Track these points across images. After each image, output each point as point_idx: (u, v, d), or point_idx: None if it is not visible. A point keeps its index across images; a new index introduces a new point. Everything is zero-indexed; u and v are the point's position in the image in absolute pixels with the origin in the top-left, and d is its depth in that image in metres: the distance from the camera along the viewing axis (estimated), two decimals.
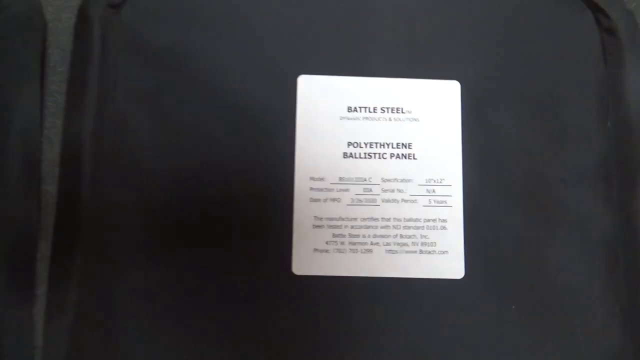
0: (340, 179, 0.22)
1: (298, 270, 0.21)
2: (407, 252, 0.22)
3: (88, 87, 0.22)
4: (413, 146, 0.23)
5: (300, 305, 0.21)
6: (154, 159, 0.22)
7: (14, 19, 0.23)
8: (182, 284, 0.21)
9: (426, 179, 0.22)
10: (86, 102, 0.22)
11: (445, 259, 0.22)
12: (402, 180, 0.22)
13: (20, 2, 0.23)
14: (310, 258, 0.22)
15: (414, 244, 0.22)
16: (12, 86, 0.22)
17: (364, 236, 0.22)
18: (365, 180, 0.22)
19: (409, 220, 0.22)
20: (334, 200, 0.22)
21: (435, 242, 0.22)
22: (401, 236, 0.22)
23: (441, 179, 0.22)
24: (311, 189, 0.22)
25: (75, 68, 0.23)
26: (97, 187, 0.22)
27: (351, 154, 0.22)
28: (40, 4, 0.24)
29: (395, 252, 0.22)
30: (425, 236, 0.22)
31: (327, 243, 0.22)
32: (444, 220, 0.22)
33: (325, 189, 0.22)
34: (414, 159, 0.23)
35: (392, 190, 0.22)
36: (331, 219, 0.22)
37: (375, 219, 0.22)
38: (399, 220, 0.22)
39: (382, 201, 0.22)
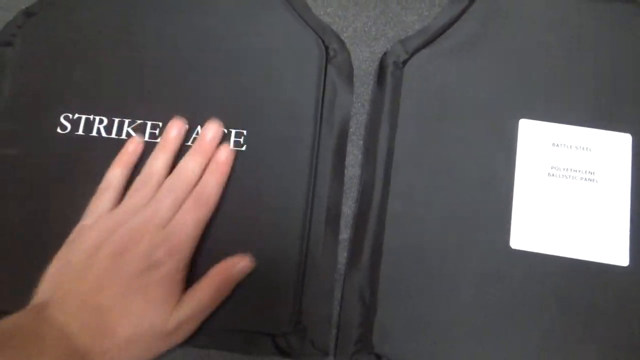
0: (544, 189, 0.33)
1: (514, 246, 0.33)
2: (588, 240, 0.33)
3: (381, 126, 0.35)
4: (595, 174, 0.34)
5: (515, 266, 0.32)
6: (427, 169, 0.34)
7: (341, 66, 0.36)
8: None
9: (603, 198, 0.33)
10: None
11: (614, 248, 0.32)
12: (586, 195, 0.33)
13: (343, 52, 0.36)
14: (522, 237, 0.33)
15: (592, 236, 0.33)
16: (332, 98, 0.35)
17: (558, 227, 0.33)
18: (560, 193, 0.33)
19: (590, 221, 0.33)
20: (539, 202, 0.33)
21: (607, 237, 0.32)
22: (583, 230, 0.33)
23: (613, 199, 0.33)
24: (523, 194, 0.33)
25: (373, 109, 0.36)
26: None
27: (553, 174, 0.34)
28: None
29: (579, 239, 0.33)
30: (601, 232, 0.33)
31: (532, 230, 0.33)
32: (615, 223, 0.33)
33: (534, 194, 0.33)
34: (596, 182, 0.33)
35: (579, 200, 0.33)
36: (536, 215, 0.33)
37: (566, 217, 0.33)
38: (582, 220, 0.33)
39: (572, 206, 0.33)
